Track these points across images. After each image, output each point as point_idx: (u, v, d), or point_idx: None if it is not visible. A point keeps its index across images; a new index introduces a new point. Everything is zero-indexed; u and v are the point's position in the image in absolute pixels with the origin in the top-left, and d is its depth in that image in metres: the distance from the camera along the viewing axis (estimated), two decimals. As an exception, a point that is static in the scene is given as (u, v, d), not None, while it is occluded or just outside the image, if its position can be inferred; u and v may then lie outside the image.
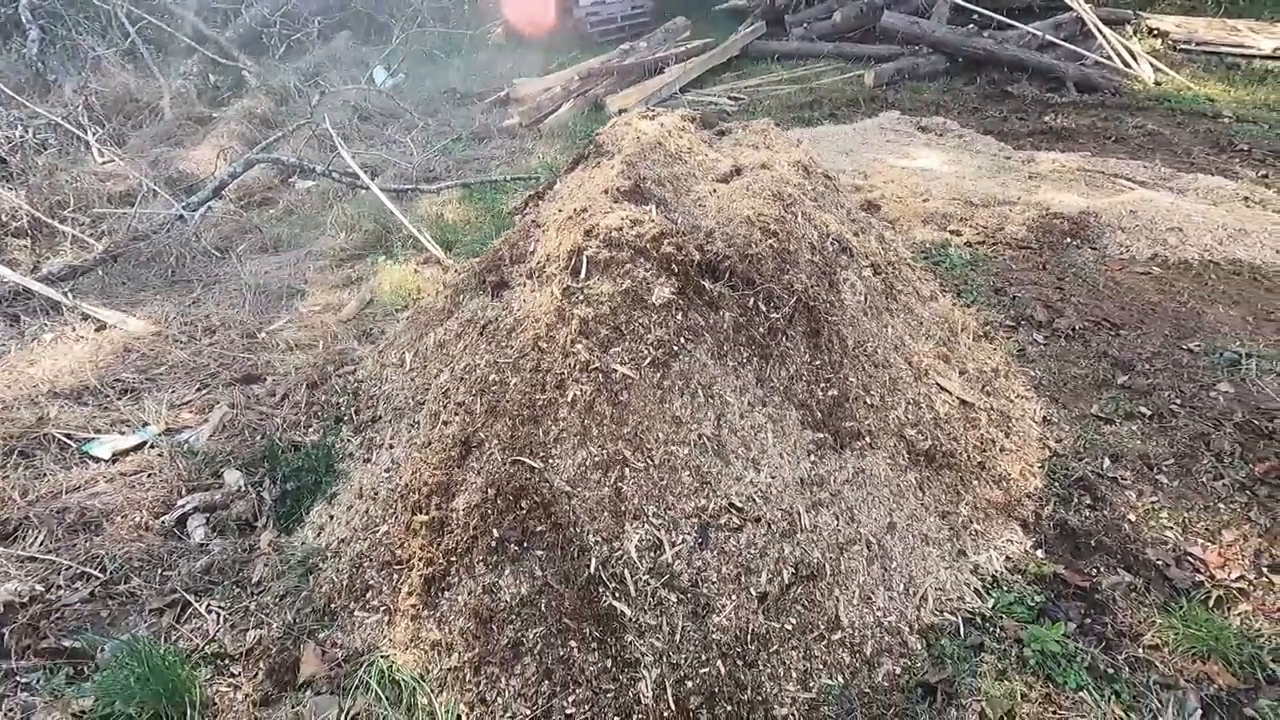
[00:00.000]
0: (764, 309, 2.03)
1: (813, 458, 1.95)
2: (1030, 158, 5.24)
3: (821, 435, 2.00)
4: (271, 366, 3.25)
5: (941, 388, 2.44)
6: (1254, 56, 7.01)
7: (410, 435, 2.24)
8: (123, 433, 2.85)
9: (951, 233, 4.03)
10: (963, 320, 3.00)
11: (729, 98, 7.35)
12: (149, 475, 2.53)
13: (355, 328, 3.51)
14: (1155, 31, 7.64)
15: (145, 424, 2.88)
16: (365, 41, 9.50)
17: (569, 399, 1.84)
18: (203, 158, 5.88)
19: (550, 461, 1.81)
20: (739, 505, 1.77)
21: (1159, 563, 2.09)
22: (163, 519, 2.35)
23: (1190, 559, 2.11)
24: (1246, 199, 4.36)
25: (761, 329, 2.01)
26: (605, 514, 1.74)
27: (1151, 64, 6.99)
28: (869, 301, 2.41)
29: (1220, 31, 7.51)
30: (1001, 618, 1.91)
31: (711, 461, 1.82)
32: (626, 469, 1.78)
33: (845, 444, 2.03)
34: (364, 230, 4.42)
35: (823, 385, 2.07)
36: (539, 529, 1.76)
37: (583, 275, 1.95)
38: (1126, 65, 6.96)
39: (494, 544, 1.79)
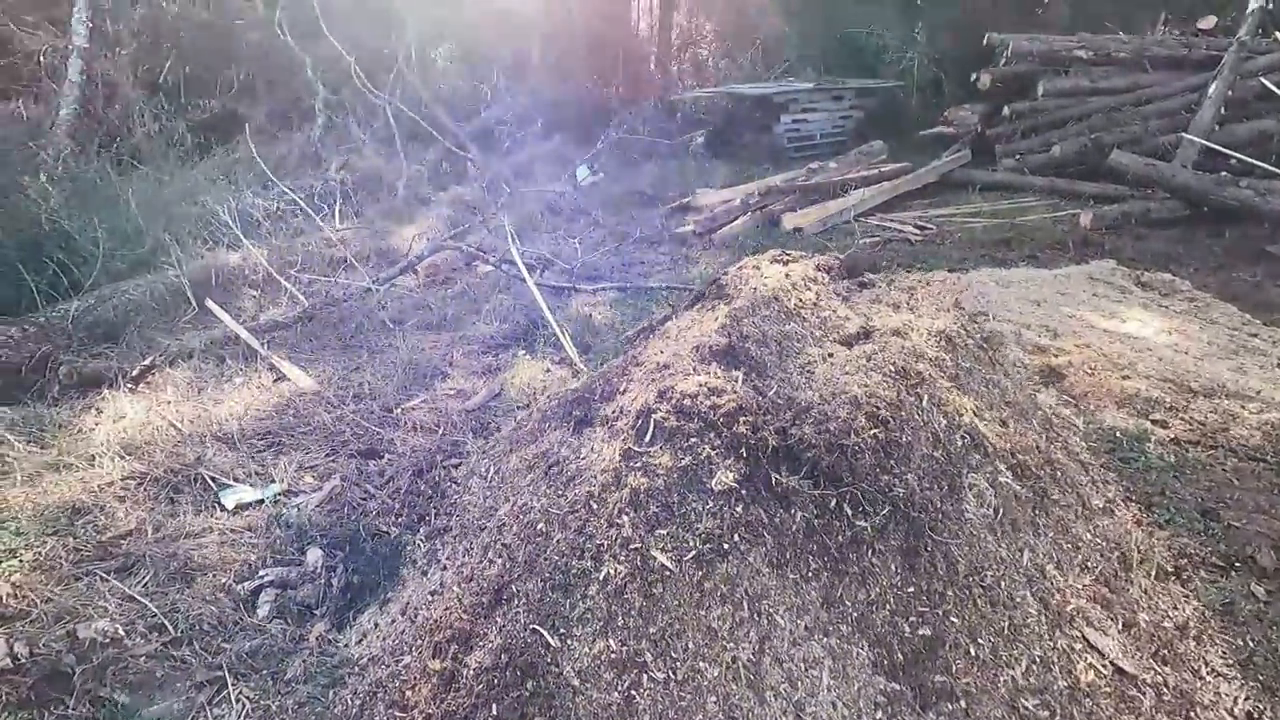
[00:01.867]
0: (849, 513, 1.72)
1: (880, 714, 1.57)
2: (1286, 338, 4.27)
3: (898, 687, 1.61)
4: (392, 444, 3.44)
5: (1090, 644, 1.91)
6: None
7: (463, 561, 2.18)
8: (253, 485, 3.13)
9: (1155, 423, 3.32)
10: (1145, 548, 2.38)
11: (916, 225, 6.96)
12: (248, 535, 2.72)
13: (476, 418, 3.63)
14: None
15: (271, 481, 3.14)
16: (578, 142, 10.46)
17: (601, 576, 1.66)
18: (411, 235, 6.67)
19: (568, 642, 1.63)
20: (765, 761, 1.46)
21: None
22: (243, 585, 2.48)
23: None
24: None
25: (841, 537, 1.70)
26: (609, 725, 1.51)
27: None
28: (1001, 515, 1.98)
29: None
30: None
31: (744, 693, 1.52)
32: (644, 676, 1.55)
33: (929, 704, 1.62)
34: (514, 322, 4.66)
35: (912, 620, 1.69)
36: (537, 720, 1.57)
37: (647, 439, 1.80)
38: None
39: (491, 721, 1.63)
